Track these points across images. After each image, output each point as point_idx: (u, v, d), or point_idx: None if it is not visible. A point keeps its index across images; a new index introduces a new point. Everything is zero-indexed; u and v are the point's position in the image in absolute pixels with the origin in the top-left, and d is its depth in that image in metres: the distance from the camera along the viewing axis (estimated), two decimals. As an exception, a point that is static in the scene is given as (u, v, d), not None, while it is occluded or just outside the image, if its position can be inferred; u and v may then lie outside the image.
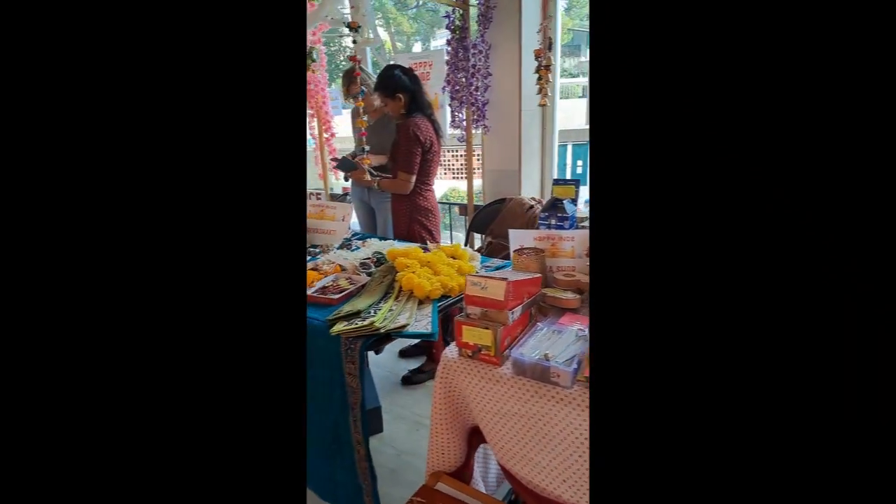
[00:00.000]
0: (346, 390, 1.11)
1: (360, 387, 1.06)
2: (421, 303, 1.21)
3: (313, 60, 2.89)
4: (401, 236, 1.96)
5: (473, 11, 2.22)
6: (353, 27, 1.59)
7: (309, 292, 1.30)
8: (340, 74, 2.52)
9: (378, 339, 1.07)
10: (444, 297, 1.25)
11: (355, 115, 2.36)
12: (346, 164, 2.06)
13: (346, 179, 2.39)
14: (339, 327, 1.08)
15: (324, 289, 1.33)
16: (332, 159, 2.42)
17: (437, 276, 1.26)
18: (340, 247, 1.81)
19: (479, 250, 2.16)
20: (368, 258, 1.55)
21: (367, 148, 1.94)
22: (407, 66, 1.87)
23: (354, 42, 1.63)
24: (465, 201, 2.60)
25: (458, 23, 2.19)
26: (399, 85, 1.80)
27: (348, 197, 2.90)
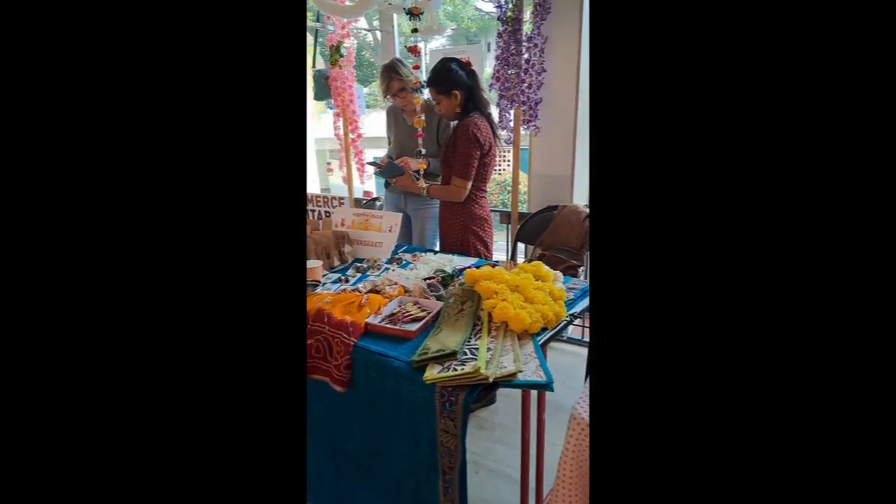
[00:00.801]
0: (437, 450, 0.90)
1: (461, 448, 0.86)
2: (518, 337, 1.00)
3: (341, 55, 2.69)
4: (452, 248, 1.75)
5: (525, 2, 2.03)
6: (415, 13, 1.39)
7: (375, 321, 1.10)
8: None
9: (483, 389, 0.86)
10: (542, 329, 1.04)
11: (391, 114, 2.16)
12: (392, 170, 1.84)
13: (387, 186, 2.17)
14: (433, 374, 0.87)
15: (391, 317, 1.13)
16: (368, 163, 2.20)
17: (533, 304, 1.05)
18: (388, 262, 1.60)
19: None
20: (432, 277, 1.34)
21: (423, 150, 1.73)
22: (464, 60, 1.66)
23: (415, 31, 1.43)
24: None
25: (510, 14, 2.00)
26: (456, 81, 1.59)
27: (378, 203, 2.70)
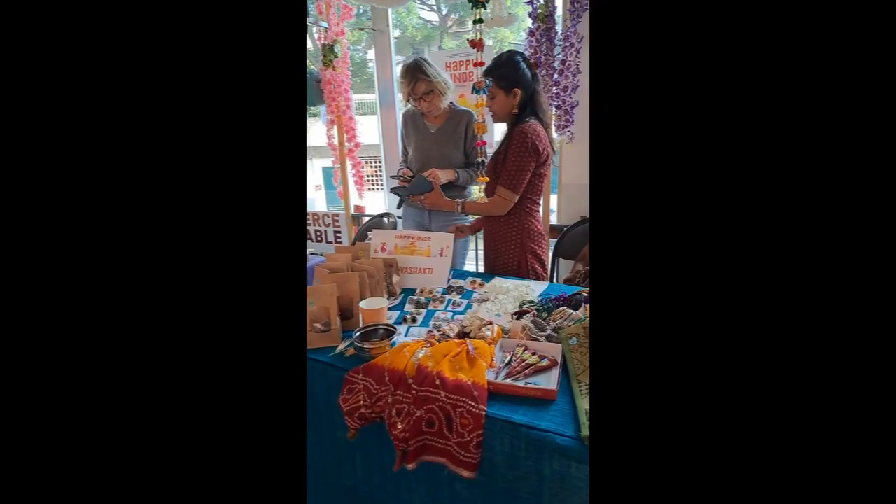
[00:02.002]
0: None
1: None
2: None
3: (335, 56, 2.42)
4: (506, 271, 1.54)
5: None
6: (481, 1, 1.18)
7: (492, 378, 0.87)
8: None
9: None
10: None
11: (409, 121, 1.93)
12: (420, 185, 1.60)
13: (399, 206, 1.92)
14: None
15: (509, 370, 0.90)
16: (392, 177, 1.94)
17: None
18: (445, 291, 1.37)
19: (568, 281, 1.79)
20: (525, 311, 1.13)
21: (484, 160, 1.51)
22: (526, 54, 1.46)
23: (478, 21, 1.21)
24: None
25: (542, 11, 1.83)
26: (521, 78, 1.37)
27: (387, 219, 2.43)
